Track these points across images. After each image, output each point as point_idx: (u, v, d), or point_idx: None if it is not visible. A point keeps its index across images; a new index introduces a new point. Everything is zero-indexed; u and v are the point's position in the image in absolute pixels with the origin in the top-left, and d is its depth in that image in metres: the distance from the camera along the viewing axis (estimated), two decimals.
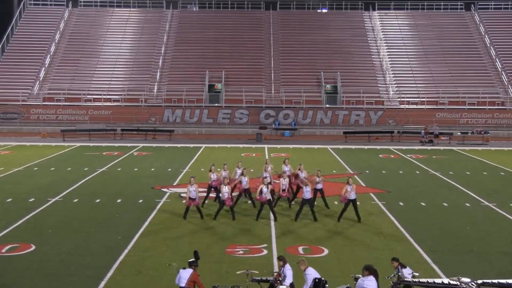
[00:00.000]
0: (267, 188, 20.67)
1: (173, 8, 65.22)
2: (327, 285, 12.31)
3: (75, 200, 23.86)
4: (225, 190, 20.80)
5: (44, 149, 39.86)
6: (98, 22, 63.22)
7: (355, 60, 58.67)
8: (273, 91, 54.94)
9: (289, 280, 12.67)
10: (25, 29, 61.68)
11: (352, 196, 20.44)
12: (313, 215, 20.77)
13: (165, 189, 26.26)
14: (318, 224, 20.40)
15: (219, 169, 23.85)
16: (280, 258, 13.13)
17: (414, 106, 53.55)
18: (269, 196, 20.71)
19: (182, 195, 21.60)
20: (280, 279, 12.72)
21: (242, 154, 38.28)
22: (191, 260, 12.67)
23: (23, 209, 22.19)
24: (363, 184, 28.11)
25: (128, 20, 63.86)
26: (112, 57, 58.79)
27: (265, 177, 21.81)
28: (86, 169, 31.45)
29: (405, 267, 12.89)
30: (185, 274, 12.34)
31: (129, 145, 42.49)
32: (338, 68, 56.73)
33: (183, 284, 12.25)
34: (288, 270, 12.78)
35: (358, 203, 21.03)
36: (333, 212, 22.04)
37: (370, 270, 11.68)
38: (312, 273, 12.37)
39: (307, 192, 20.70)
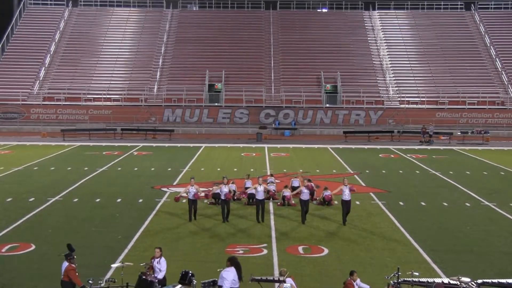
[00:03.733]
0: (261, 187, 20.71)
1: (173, 8, 65.19)
2: (193, 278, 12.74)
3: (75, 200, 23.86)
4: (225, 190, 20.78)
5: (44, 149, 39.85)
6: (98, 22, 63.18)
7: (355, 60, 58.64)
8: (273, 91, 54.93)
9: (163, 273, 13.01)
10: (25, 29, 61.64)
11: (347, 197, 20.26)
12: (303, 217, 20.67)
13: (165, 189, 26.26)
14: (318, 224, 20.41)
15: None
16: (160, 248, 13.43)
17: (414, 106, 53.53)
18: (261, 196, 20.62)
19: (182, 194, 21.63)
20: (154, 273, 12.90)
21: (242, 154, 38.28)
22: (66, 253, 12.89)
23: (23, 209, 22.19)
24: (363, 184, 28.10)
25: (128, 20, 63.82)
26: (112, 57, 58.76)
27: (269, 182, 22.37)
28: (86, 169, 31.44)
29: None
30: (63, 267, 12.69)
31: (129, 144, 42.48)
32: (338, 68, 56.70)
33: (61, 277, 12.63)
34: (164, 262, 13.14)
35: (357, 203, 21.02)
36: (332, 212, 22.05)
37: (231, 261, 12.53)
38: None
39: (304, 194, 20.69)
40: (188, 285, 12.65)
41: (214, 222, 20.39)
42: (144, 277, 12.55)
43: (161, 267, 13.03)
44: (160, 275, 13.07)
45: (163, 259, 13.16)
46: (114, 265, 13.51)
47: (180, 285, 12.66)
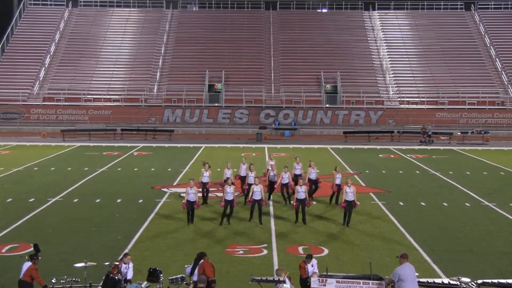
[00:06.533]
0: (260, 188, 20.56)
1: (173, 8, 65.21)
2: (161, 275, 13.01)
3: (75, 200, 23.87)
4: (230, 190, 20.26)
5: (44, 149, 39.86)
6: (98, 22, 63.20)
7: (355, 60, 58.65)
8: (273, 91, 54.94)
9: (130, 274, 13.20)
10: (25, 29, 61.66)
11: (351, 198, 20.09)
12: (296, 216, 20.46)
13: (165, 189, 26.27)
14: (318, 224, 20.42)
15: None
16: (130, 254, 13.63)
17: (414, 106, 53.55)
18: (259, 196, 20.44)
19: (181, 195, 21.59)
20: (121, 274, 12.96)
21: (242, 154, 38.23)
22: (32, 253, 12.86)
23: (23, 209, 22.20)
24: (363, 184, 28.11)
25: (128, 20, 63.84)
26: (112, 57, 58.78)
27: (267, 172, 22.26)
28: (86, 169, 31.46)
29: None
30: (24, 267, 12.61)
31: (129, 145, 42.50)
32: (338, 68, 56.72)
33: (20, 277, 12.55)
34: (131, 267, 13.30)
35: (357, 203, 20.96)
36: (332, 213, 22.06)
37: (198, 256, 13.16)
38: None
39: (301, 193, 20.47)
40: (156, 282, 12.89)
41: (214, 223, 20.38)
42: (111, 275, 12.65)
43: (129, 271, 13.26)
44: (129, 275, 13.22)
45: (131, 264, 13.39)
46: (77, 265, 13.52)
47: (145, 282, 12.88)
